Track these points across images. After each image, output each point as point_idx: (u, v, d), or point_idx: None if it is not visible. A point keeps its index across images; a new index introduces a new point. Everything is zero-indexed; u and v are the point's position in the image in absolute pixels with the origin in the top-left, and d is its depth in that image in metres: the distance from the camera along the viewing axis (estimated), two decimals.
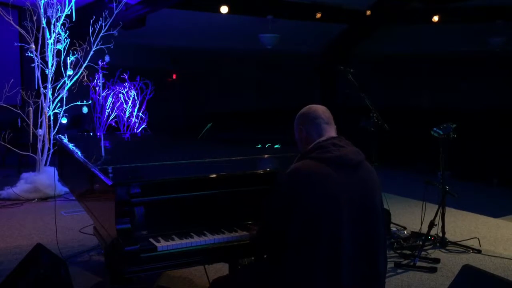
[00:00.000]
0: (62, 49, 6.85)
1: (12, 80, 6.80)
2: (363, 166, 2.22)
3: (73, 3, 6.75)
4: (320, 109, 2.31)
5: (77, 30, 6.92)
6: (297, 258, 2.08)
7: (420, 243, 4.32)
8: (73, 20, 6.77)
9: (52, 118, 6.95)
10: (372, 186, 2.21)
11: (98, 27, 6.81)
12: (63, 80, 6.96)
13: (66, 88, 6.96)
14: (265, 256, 2.55)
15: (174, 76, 12.98)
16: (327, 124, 2.28)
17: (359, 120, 4.72)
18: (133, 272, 2.21)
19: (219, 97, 12.87)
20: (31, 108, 6.84)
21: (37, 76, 6.80)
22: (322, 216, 2.06)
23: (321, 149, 2.18)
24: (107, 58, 7.13)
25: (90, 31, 6.82)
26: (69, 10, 6.74)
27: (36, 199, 6.48)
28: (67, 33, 6.83)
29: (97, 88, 7.53)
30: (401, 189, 6.95)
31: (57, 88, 6.95)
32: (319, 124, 2.26)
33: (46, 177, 6.69)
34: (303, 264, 2.06)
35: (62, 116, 7.08)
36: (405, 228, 4.99)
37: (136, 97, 7.97)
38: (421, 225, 4.69)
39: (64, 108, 7.04)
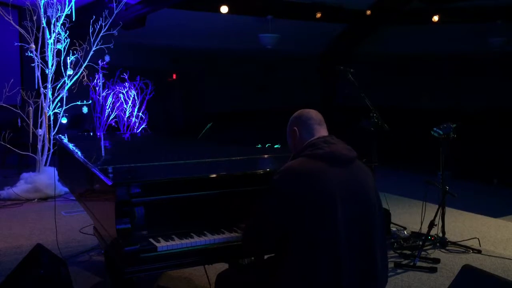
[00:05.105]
0: (62, 49, 6.85)
1: (12, 80, 6.80)
2: (356, 163, 2.26)
3: (73, 3, 6.75)
4: (312, 112, 2.40)
5: (77, 30, 6.92)
6: (296, 256, 2.08)
7: (420, 243, 4.31)
8: (73, 20, 6.77)
9: (52, 118, 6.95)
10: (366, 182, 2.24)
11: (98, 27, 6.81)
12: (63, 80, 6.95)
13: (66, 88, 6.96)
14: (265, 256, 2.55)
15: (174, 76, 12.98)
16: (319, 125, 2.35)
17: (359, 120, 4.71)
18: (133, 272, 2.20)
19: (219, 97, 12.86)
20: (31, 108, 6.84)
21: (37, 76, 6.80)
22: (319, 212, 2.08)
23: (313, 146, 2.24)
24: (107, 58, 7.14)
25: (90, 31, 6.82)
26: (69, 10, 6.74)
27: (36, 199, 6.48)
28: (67, 33, 6.83)
29: (97, 88, 7.53)
30: (401, 189, 6.95)
31: (57, 88, 6.95)
32: (311, 125, 2.34)
33: (46, 177, 6.69)
34: (303, 262, 2.07)
35: (62, 116, 7.08)
36: (405, 228, 4.99)
37: (136, 97, 7.97)
38: (421, 225, 4.69)
39: (64, 108, 7.04)
